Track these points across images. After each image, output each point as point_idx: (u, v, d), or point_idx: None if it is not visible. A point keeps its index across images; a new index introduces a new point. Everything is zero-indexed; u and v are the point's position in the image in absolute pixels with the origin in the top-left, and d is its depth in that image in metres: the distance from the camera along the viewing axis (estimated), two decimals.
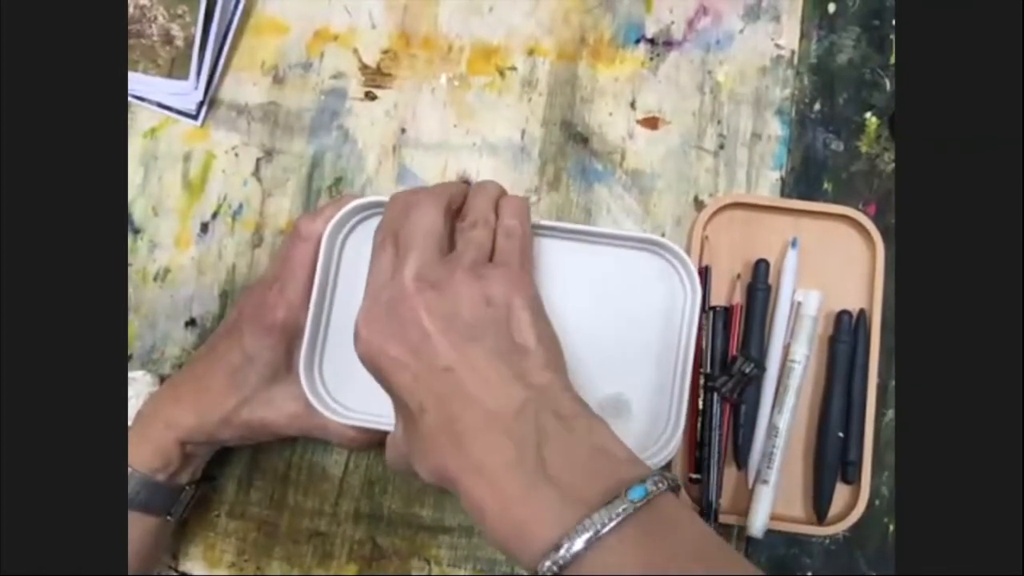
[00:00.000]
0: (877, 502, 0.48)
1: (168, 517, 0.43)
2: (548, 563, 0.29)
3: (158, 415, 0.43)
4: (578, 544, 0.29)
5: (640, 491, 0.30)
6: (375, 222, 0.42)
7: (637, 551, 0.29)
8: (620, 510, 0.29)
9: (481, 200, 0.40)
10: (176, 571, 0.48)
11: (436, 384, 0.34)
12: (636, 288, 0.43)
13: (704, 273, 0.48)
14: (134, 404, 0.44)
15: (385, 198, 0.41)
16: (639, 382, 0.43)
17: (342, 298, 0.43)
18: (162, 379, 0.48)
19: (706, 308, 0.47)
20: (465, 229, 0.38)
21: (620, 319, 0.43)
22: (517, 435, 0.32)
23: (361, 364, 0.37)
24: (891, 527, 0.48)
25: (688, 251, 0.49)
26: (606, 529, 0.29)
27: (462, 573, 0.48)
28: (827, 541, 0.48)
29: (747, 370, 0.46)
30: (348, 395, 0.42)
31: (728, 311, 0.48)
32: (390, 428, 0.39)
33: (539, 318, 0.37)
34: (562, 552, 0.29)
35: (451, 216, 0.39)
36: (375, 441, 0.43)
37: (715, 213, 0.49)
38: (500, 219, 0.39)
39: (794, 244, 0.48)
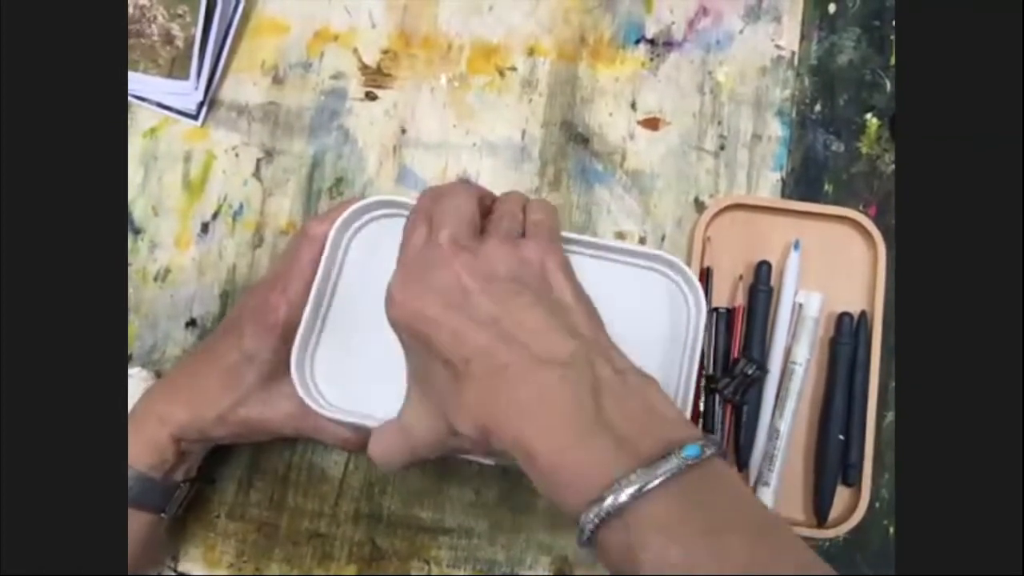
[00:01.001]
0: (877, 504, 0.48)
1: (162, 515, 0.43)
2: (595, 511, 0.29)
3: (152, 411, 0.43)
4: (626, 495, 0.28)
5: (694, 449, 0.29)
6: (384, 223, 0.42)
7: (685, 508, 0.29)
8: (673, 466, 0.29)
9: (510, 199, 0.40)
10: (176, 572, 0.48)
11: (481, 336, 0.33)
12: (639, 303, 0.43)
13: (706, 274, 0.48)
14: (130, 401, 0.44)
15: (396, 197, 0.42)
16: None
17: (342, 297, 0.43)
18: (159, 375, 0.49)
19: (708, 311, 0.47)
20: (494, 220, 0.38)
21: (623, 331, 0.42)
22: (572, 380, 0.32)
23: (394, 330, 0.36)
24: (891, 529, 0.48)
25: (690, 252, 0.49)
26: (656, 483, 0.28)
27: (462, 574, 0.48)
28: (827, 543, 0.48)
29: (749, 372, 0.46)
30: (340, 394, 0.42)
31: (730, 313, 0.48)
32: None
33: (574, 280, 0.37)
34: (609, 501, 0.28)
35: (481, 209, 0.39)
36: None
37: (717, 214, 0.49)
38: (527, 215, 0.39)
39: (796, 246, 0.48)
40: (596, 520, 0.29)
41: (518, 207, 0.40)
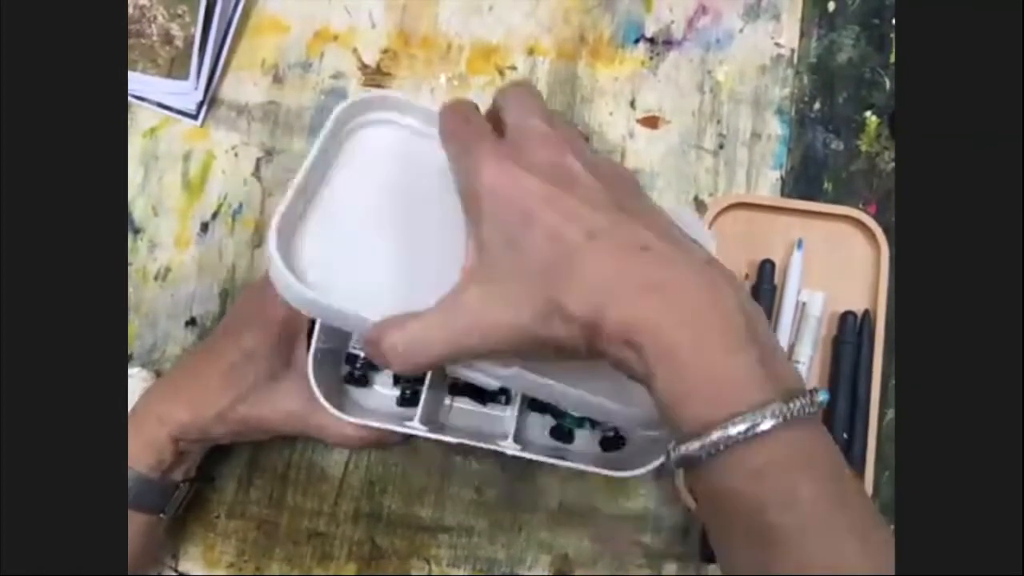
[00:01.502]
0: (877, 503, 0.48)
1: (161, 515, 0.43)
2: (732, 430, 0.27)
3: (151, 411, 0.43)
4: (769, 422, 0.27)
5: (825, 395, 0.29)
6: (383, 131, 0.39)
7: (816, 448, 0.28)
8: (812, 405, 0.28)
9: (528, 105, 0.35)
10: (176, 571, 0.48)
11: (607, 215, 0.30)
12: None
13: None
14: (131, 401, 0.44)
15: (404, 96, 0.39)
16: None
17: (332, 189, 0.38)
18: (159, 375, 0.49)
19: None
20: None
21: None
22: (720, 282, 0.29)
23: (471, 212, 0.32)
24: (891, 527, 0.48)
25: None
26: (798, 417, 0.27)
27: (461, 573, 0.48)
28: None
29: None
30: (325, 279, 0.36)
31: None
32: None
33: None
34: (748, 424, 0.27)
35: None
36: (370, 441, 0.43)
37: (719, 213, 0.49)
38: None
39: (799, 245, 0.48)
40: (728, 439, 0.27)
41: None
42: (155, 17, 0.50)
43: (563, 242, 0.29)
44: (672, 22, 0.52)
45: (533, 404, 0.45)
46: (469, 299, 0.31)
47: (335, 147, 0.38)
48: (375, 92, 0.39)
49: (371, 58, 0.52)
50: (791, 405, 0.27)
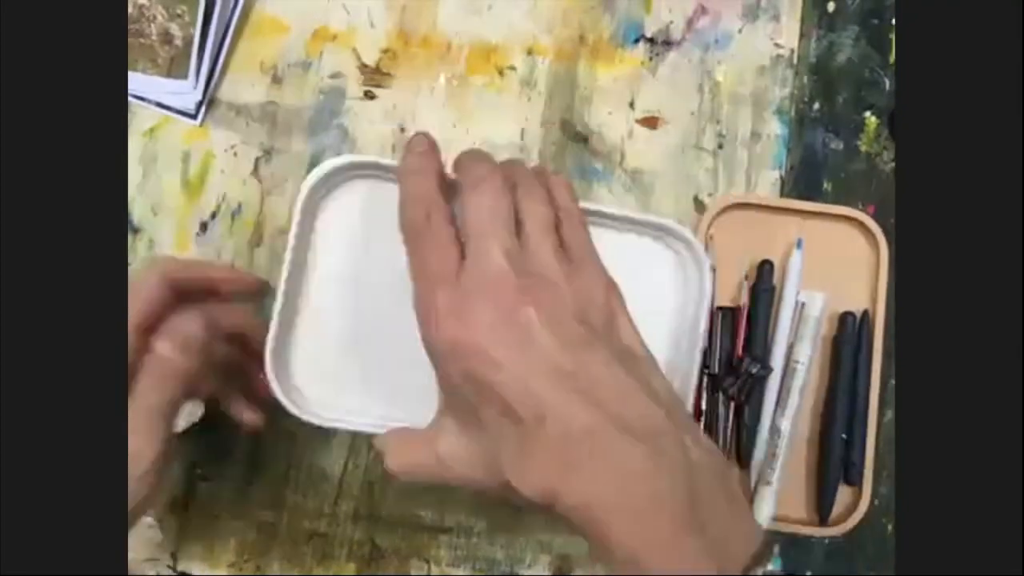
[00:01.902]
0: (877, 502, 0.48)
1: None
2: None
3: None
4: None
5: (779, 562, 0.29)
6: (358, 185, 0.39)
7: None
8: None
9: (531, 192, 0.35)
10: (176, 571, 0.48)
11: (557, 392, 0.29)
12: (640, 275, 0.38)
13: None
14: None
15: (370, 158, 0.38)
16: None
17: (318, 277, 0.38)
18: None
19: (712, 310, 0.46)
20: (529, 221, 0.33)
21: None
22: (666, 460, 0.29)
23: (433, 359, 0.32)
24: (890, 527, 0.48)
25: None
26: None
27: (461, 573, 0.48)
28: (826, 542, 0.48)
29: (754, 371, 0.46)
30: (324, 393, 0.38)
31: (733, 312, 0.48)
32: (373, 430, 0.37)
33: (632, 320, 0.34)
34: None
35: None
36: None
37: (719, 213, 0.49)
38: (553, 198, 0.36)
39: (799, 245, 0.48)
40: None
41: (543, 197, 0.35)
42: (155, 17, 0.50)
43: (514, 421, 0.29)
44: (671, 22, 0.52)
45: None
46: (443, 449, 0.33)
47: (309, 227, 0.39)
48: (341, 159, 0.39)
49: (370, 58, 0.52)
50: None
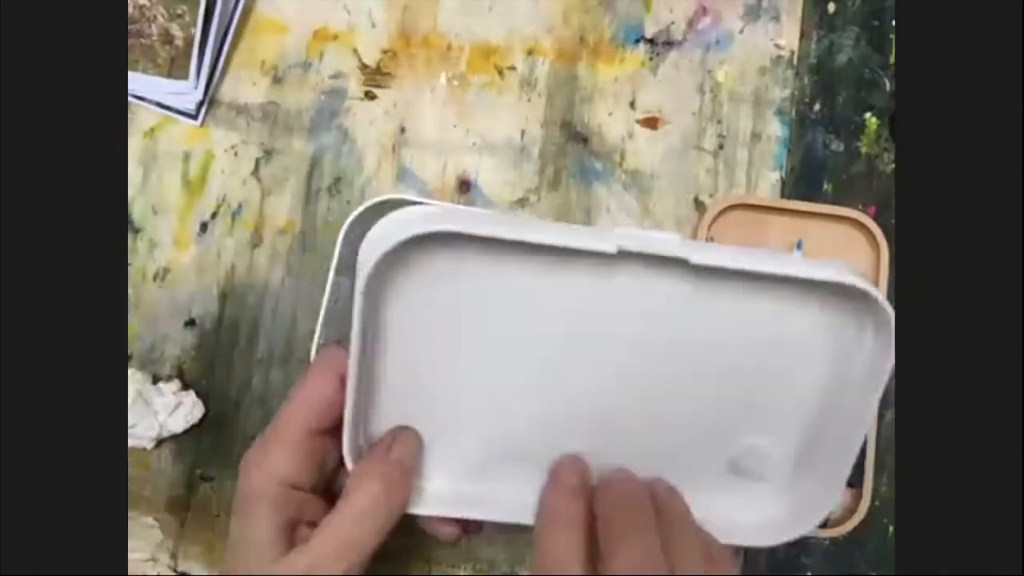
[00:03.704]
0: (877, 503, 0.48)
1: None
2: None
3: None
4: None
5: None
6: (428, 257, 0.32)
7: None
8: None
9: (685, 529, 0.32)
10: (176, 571, 0.48)
11: None
12: (801, 338, 0.33)
13: None
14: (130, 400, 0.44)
15: (445, 227, 0.30)
16: (789, 430, 0.36)
17: (393, 358, 0.34)
18: (155, 378, 0.49)
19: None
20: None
21: (769, 360, 0.34)
22: None
23: None
24: (891, 528, 0.48)
25: None
26: None
27: (462, 573, 0.48)
28: (826, 542, 0.48)
29: None
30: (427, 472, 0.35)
31: None
32: (494, 518, 0.34)
33: None
34: None
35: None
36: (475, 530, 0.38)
37: (719, 214, 0.49)
38: (667, 528, 0.32)
39: (799, 246, 0.48)
40: None
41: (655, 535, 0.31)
42: (155, 17, 0.50)
43: None
44: (672, 23, 0.52)
45: None
46: None
47: (379, 308, 0.33)
48: (414, 231, 0.30)
49: (371, 58, 0.52)
50: None
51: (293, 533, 0.33)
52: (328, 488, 0.36)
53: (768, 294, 0.33)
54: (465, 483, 0.36)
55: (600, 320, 0.34)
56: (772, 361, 0.34)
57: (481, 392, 0.35)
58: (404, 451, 0.34)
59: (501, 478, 0.36)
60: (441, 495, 0.36)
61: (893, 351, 0.33)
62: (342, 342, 0.33)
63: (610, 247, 0.31)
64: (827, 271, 0.32)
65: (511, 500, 0.36)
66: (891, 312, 0.33)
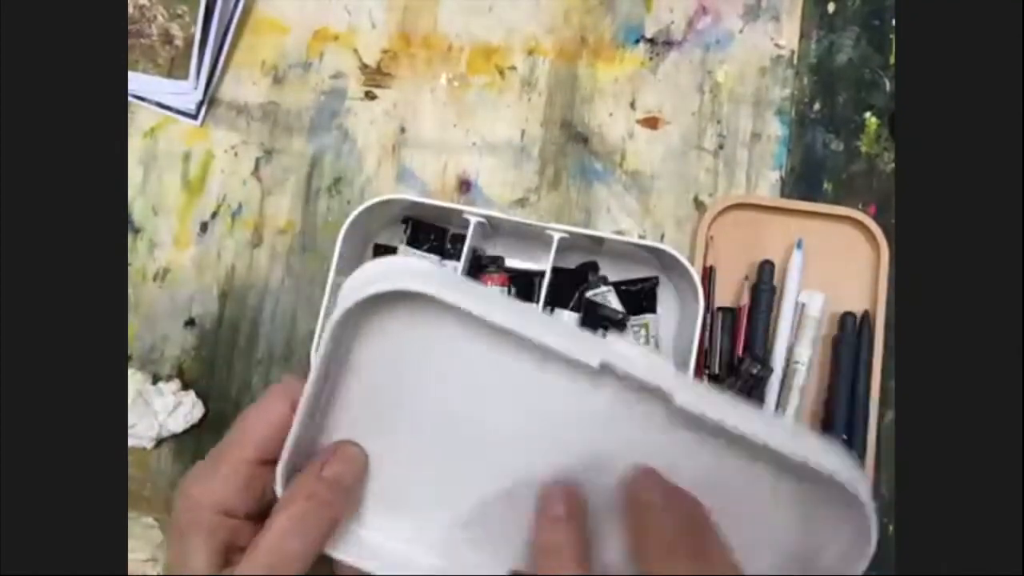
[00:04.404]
0: (877, 503, 0.48)
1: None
2: None
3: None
4: None
5: None
6: (400, 314, 0.30)
7: None
8: None
9: (712, 539, 0.29)
10: None
11: None
12: (768, 510, 0.30)
13: (709, 274, 0.48)
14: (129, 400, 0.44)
15: (420, 288, 0.28)
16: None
17: (346, 402, 0.32)
18: (155, 378, 0.49)
19: (712, 310, 0.47)
20: None
21: (741, 515, 0.31)
22: None
23: None
24: (891, 528, 0.48)
25: (692, 251, 0.49)
26: None
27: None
28: None
29: (755, 371, 0.46)
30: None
31: (734, 312, 0.48)
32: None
33: None
34: None
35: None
36: None
37: (719, 213, 0.49)
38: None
39: (799, 245, 0.48)
40: None
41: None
42: (155, 17, 0.50)
43: None
44: (672, 23, 0.52)
45: None
46: None
47: (343, 352, 0.31)
48: (387, 287, 0.28)
49: (371, 58, 0.52)
50: None
51: (228, 557, 0.32)
52: (264, 515, 0.34)
53: (746, 451, 0.29)
54: (400, 545, 0.33)
55: (571, 419, 0.30)
56: (743, 521, 0.30)
57: (436, 459, 0.33)
58: (341, 468, 0.32)
59: (440, 552, 0.33)
60: (371, 549, 0.33)
61: (871, 551, 0.28)
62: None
63: (594, 361, 0.28)
64: (808, 449, 0.28)
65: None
66: (873, 517, 0.28)
